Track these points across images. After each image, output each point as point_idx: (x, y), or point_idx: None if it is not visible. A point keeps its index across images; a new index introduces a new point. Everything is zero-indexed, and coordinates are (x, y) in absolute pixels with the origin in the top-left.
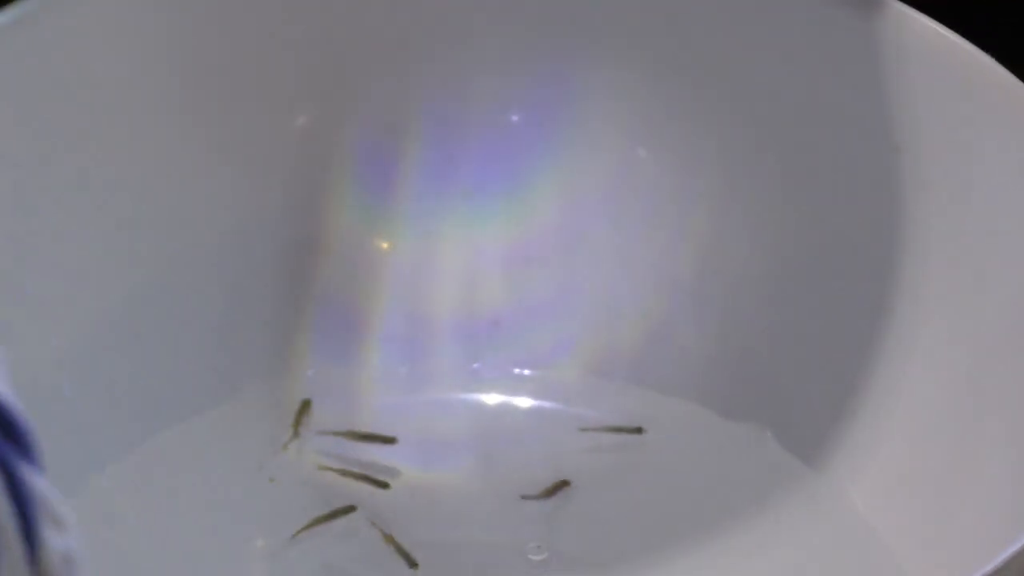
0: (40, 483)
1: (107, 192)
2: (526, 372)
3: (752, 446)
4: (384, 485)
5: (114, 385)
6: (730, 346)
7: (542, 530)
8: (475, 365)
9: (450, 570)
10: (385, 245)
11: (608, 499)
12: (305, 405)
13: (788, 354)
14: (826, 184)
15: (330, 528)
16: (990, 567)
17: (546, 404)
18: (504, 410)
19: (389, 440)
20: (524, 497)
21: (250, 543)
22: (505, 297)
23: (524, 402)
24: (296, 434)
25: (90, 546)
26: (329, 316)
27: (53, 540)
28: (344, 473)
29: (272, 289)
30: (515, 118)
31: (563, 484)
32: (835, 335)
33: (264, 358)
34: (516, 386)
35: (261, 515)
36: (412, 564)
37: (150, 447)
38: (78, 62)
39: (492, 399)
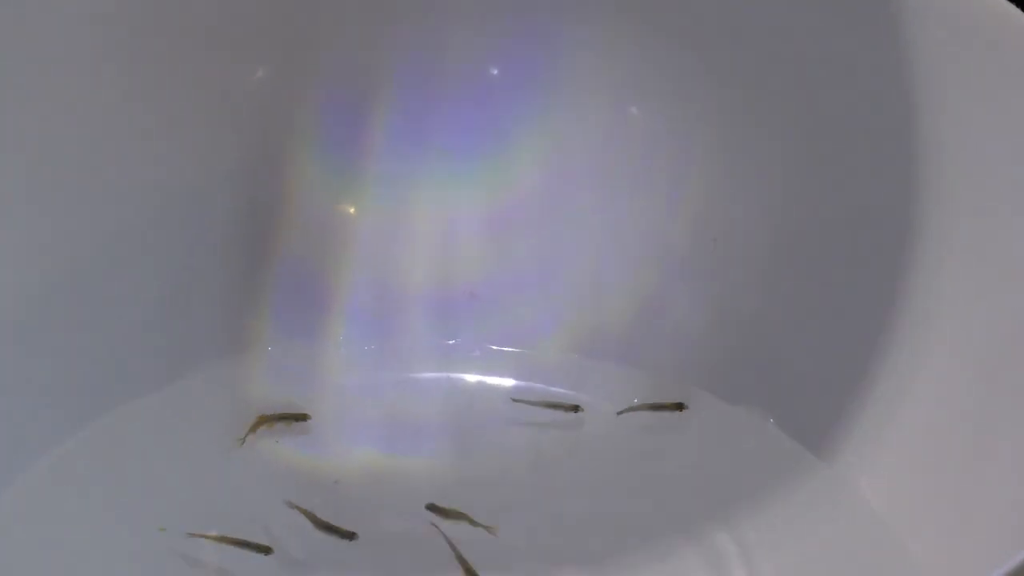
0: None
1: (43, 152)
2: (506, 350)
3: (753, 432)
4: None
5: (49, 364)
6: (728, 323)
7: (522, 520)
8: (450, 342)
9: (419, 564)
10: (351, 210)
11: (597, 488)
12: (260, 421)
13: (792, 332)
14: (836, 146)
15: (288, 515)
16: (1011, 566)
17: (527, 385)
18: (481, 391)
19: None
20: (428, 507)
21: (202, 530)
22: (483, 268)
23: (503, 382)
24: (242, 440)
25: (22, 539)
26: (290, 288)
27: None
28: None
29: (226, 258)
30: (494, 72)
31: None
32: (844, 312)
33: (218, 334)
34: (495, 365)
35: (213, 504)
36: (348, 536)
37: (89, 433)
38: (15, 10)
39: (468, 379)
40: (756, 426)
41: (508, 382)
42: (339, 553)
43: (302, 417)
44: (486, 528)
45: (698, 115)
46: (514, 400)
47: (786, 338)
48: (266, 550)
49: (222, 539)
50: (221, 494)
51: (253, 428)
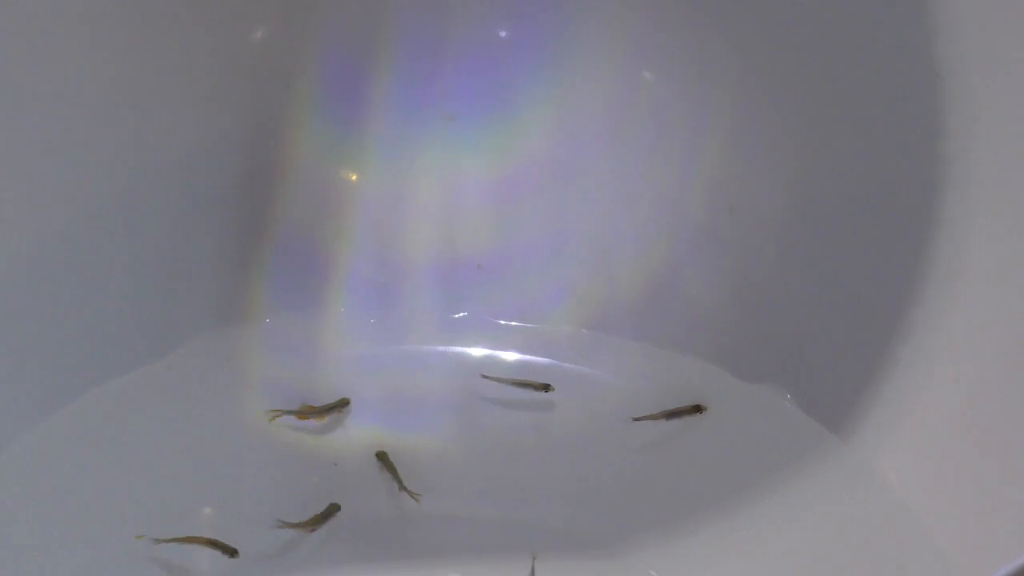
0: None
1: (33, 120)
2: (513, 324)
3: (769, 410)
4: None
5: (39, 336)
6: (745, 297)
7: (531, 499)
8: (455, 315)
9: (428, 548)
10: (353, 177)
11: (610, 468)
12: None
13: (811, 307)
14: (858, 113)
15: (280, 487)
16: None
17: (536, 360)
18: (489, 366)
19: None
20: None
21: (196, 510)
22: (489, 238)
23: (511, 357)
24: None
25: (10, 510)
26: (288, 257)
27: None
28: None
29: (223, 227)
30: (503, 33)
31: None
32: (865, 287)
33: (213, 305)
34: (502, 339)
35: (205, 482)
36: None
37: (80, 406)
38: None
39: (475, 353)
40: (773, 404)
41: (515, 357)
42: (332, 532)
43: (343, 403)
44: (411, 495)
45: (714, 80)
46: (483, 376)
47: (805, 313)
48: (231, 552)
49: (190, 540)
50: (214, 471)
51: (295, 412)
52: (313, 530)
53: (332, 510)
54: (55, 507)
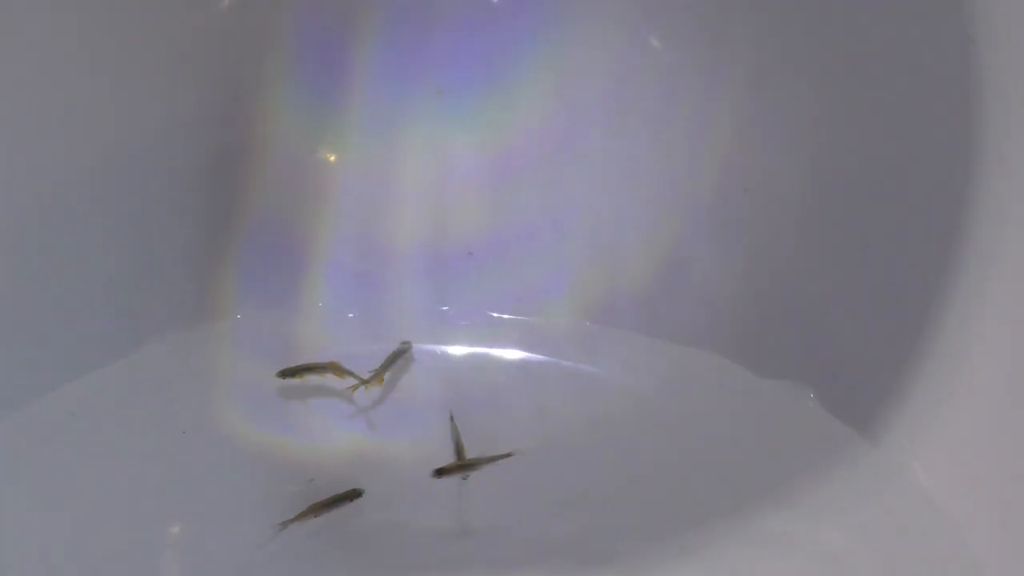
0: None
1: None
2: (508, 316)
3: (790, 408)
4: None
5: None
6: (763, 285)
7: (530, 508)
8: (444, 308)
9: (416, 561)
10: (332, 157)
11: (616, 476)
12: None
13: (835, 296)
14: (887, 82)
15: (255, 495)
16: None
17: (533, 357)
18: (480, 364)
19: None
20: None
21: (163, 519)
22: (482, 222)
23: (505, 354)
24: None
25: None
26: (261, 246)
27: None
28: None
29: (189, 215)
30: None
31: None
32: (895, 274)
33: (180, 300)
34: (495, 334)
35: (175, 487)
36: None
37: (38, 408)
38: None
39: (464, 350)
40: (794, 402)
41: (511, 353)
42: (317, 548)
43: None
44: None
45: (728, 46)
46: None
47: (829, 303)
48: (357, 494)
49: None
50: (181, 477)
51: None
52: (318, 515)
53: (352, 495)
54: (12, 509)
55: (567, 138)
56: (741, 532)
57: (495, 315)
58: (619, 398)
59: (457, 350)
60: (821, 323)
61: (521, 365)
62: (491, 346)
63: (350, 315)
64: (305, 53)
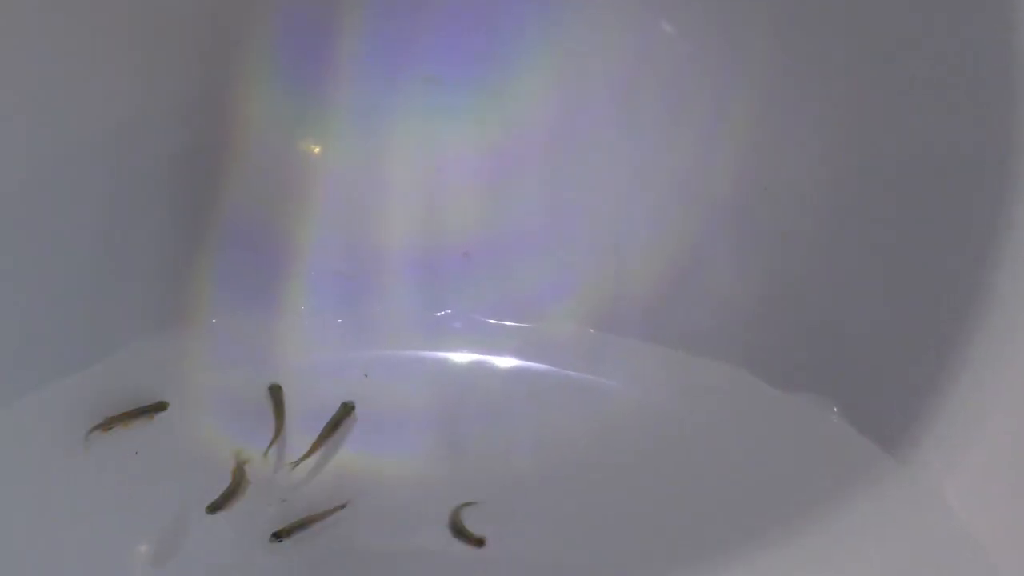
0: None
1: None
2: (507, 323)
3: (813, 425)
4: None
5: None
6: (782, 291)
7: (528, 532)
8: (437, 313)
9: None
10: (315, 149)
11: (623, 495)
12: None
13: (860, 303)
14: (919, 69)
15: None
16: None
17: (533, 367)
18: (476, 374)
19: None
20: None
21: (131, 543)
22: (479, 221)
23: (505, 363)
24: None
25: None
26: (238, 245)
27: None
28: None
29: (162, 211)
30: None
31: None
32: (925, 279)
33: (152, 303)
34: (494, 341)
35: (140, 507)
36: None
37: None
38: None
39: (462, 359)
40: (817, 417)
41: (510, 363)
42: (292, 571)
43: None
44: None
45: (745, 32)
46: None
47: (853, 311)
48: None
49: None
50: (145, 498)
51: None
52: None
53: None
54: None
55: (571, 130)
56: (760, 556)
57: (492, 321)
58: (626, 413)
59: (451, 359)
60: (846, 332)
61: (520, 376)
62: (488, 355)
63: (337, 320)
64: (285, 37)
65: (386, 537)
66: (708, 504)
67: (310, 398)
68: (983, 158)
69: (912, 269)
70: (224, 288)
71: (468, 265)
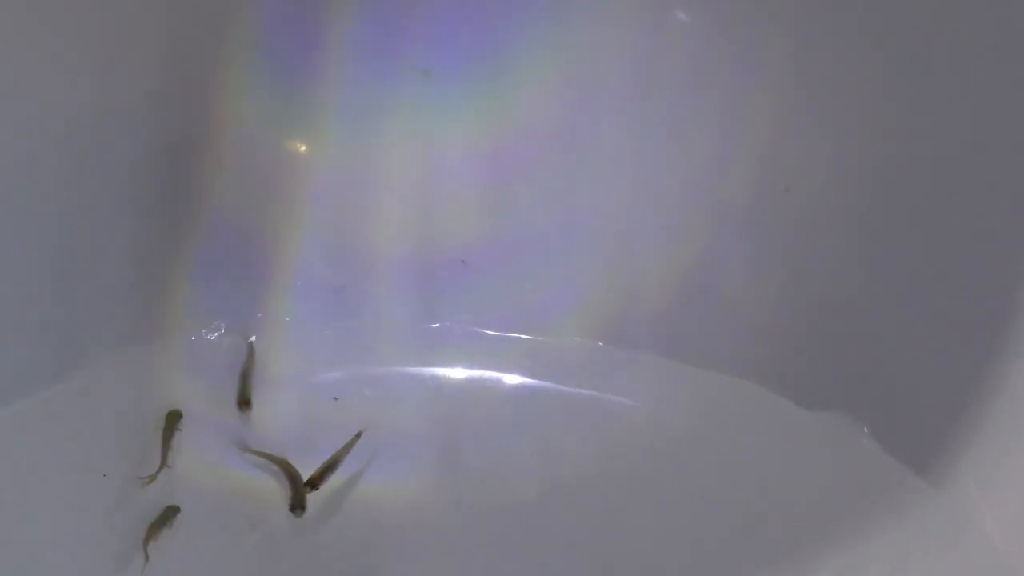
0: None
1: None
2: (508, 335)
3: (841, 446)
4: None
5: None
6: (805, 302)
7: (532, 558)
8: (433, 324)
9: None
10: (302, 148)
11: (634, 522)
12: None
13: (891, 315)
14: (952, 67)
15: (204, 546)
16: None
17: (536, 383)
18: (475, 391)
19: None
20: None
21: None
22: (477, 226)
23: (505, 379)
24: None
25: None
26: (219, 251)
27: None
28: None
29: (136, 213)
30: None
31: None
32: (960, 289)
33: (124, 315)
34: (493, 356)
35: (109, 535)
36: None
37: None
38: None
39: (457, 374)
40: (845, 438)
41: (511, 379)
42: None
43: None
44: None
45: (766, 20)
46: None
47: (883, 323)
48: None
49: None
50: (116, 525)
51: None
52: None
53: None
54: None
55: (577, 128)
56: None
57: (492, 334)
58: (637, 433)
59: (448, 374)
60: (876, 346)
61: (522, 393)
62: (488, 369)
63: (325, 332)
64: (270, 27)
65: (377, 559)
66: (726, 532)
67: (291, 416)
68: (1018, 159)
69: (945, 278)
70: (203, 299)
71: (466, 273)
